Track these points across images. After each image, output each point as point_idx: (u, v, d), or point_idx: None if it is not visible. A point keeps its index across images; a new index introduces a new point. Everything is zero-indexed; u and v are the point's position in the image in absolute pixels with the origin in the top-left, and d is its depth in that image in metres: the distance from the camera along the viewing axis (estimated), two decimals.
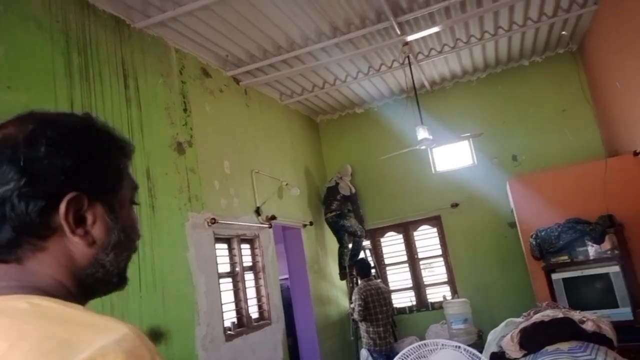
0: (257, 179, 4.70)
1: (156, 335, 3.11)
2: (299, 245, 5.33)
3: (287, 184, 5.15)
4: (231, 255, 4.26)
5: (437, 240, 6.15)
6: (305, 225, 5.51)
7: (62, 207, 0.61)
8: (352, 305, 4.85)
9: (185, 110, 3.99)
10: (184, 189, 3.73)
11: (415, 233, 6.27)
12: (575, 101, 5.56)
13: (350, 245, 5.77)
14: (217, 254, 3.98)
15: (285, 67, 4.81)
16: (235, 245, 4.27)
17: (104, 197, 0.66)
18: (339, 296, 6.01)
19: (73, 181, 0.62)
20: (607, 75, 4.88)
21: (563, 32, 5.20)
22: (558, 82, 5.69)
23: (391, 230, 6.35)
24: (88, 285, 0.65)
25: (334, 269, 5.97)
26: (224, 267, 4.12)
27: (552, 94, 5.69)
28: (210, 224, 3.85)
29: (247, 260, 4.48)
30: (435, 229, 6.17)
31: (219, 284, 3.89)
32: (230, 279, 4.17)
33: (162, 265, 3.30)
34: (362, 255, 5.85)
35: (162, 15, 3.56)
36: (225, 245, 4.22)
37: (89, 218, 0.64)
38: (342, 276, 5.77)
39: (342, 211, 5.69)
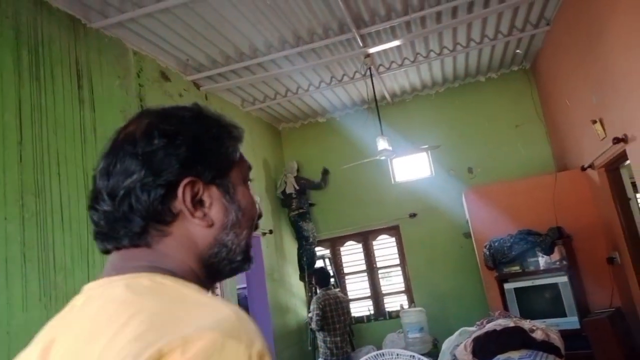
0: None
1: None
2: (258, 254, 5.27)
3: None
4: None
5: (395, 249, 6.23)
6: (264, 234, 5.45)
7: (180, 192, 0.66)
8: (310, 315, 4.82)
9: None
10: None
11: (374, 242, 6.33)
12: (528, 117, 5.79)
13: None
14: None
15: (248, 74, 4.78)
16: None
17: (218, 180, 0.70)
18: (298, 305, 5.97)
19: (188, 168, 0.66)
20: (558, 93, 5.11)
21: (517, 51, 5.42)
22: (512, 98, 5.92)
23: (351, 239, 6.38)
24: (213, 266, 0.70)
25: (293, 277, 5.93)
26: None
27: (507, 110, 5.91)
28: None
29: None
30: (393, 239, 6.24)
31: None
32: None
33: None
34: (321, 264, 5.85)
35: (120, 16, 3.46)
36: None
37: (206, 201, 0.68)
38: (301, 278, 5.82)
39: (306, 211, 5.78)
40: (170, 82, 4.36)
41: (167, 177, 0.65)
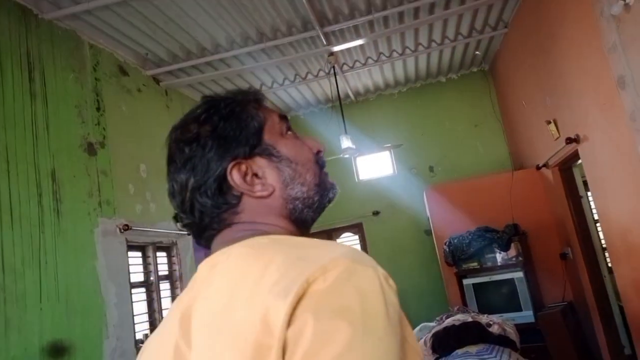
0: None
1: (58, 350, 2.87)
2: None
3: None
4: (145, 264, 4.04)
5: (358, 247, 6.27)
6: None
7: (230, 179, 0.71)
8: None
9: (98, 109, 3.75)
10: (94, 193, 3.49)
11: (338, 240, 6.35)
12: (486, 117, 5.95)
13: None
14: (130, 263, 3.76)
15: (210, 70, 4.70)
16: (150, 253, 4.06)
17: (257, 149, 0.73)
18: None
19: (225, 155, 0.71)
20: (514, 94, 5.28)
21: (477, 52, 5.56)
22: (472, 98, 6.06)
23: (314, 237, 6.36)
24: (298, 219, 0.75)
25: None
26: (137, 276, 3.90)
27: (466, 110, 6.05)
28: (122, 230, 3.63)
29: (163, 269, 4.28)
30: (357, 237, 6.29)
31: (131, 294, 3.67)
32: (144, 289, 3.96)
33: (66, 274, 3.05)
34: None
35: (74, 7, 3.33)
36: (139, 253, 4.00)
37: (258, 172, 0.72)
38: None
39: None
40: (129, 76, 4.23)
41: (212, 174, 0.71)
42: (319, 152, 0.81)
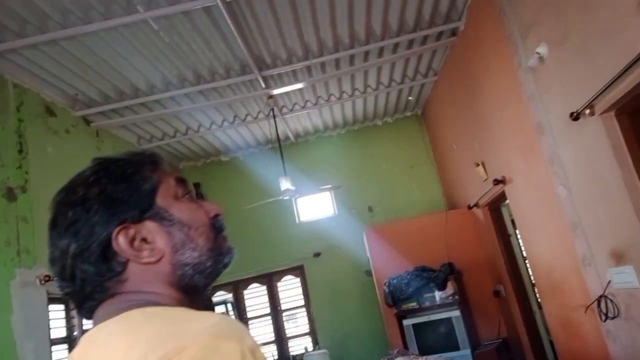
0: None
1: None
2: None
3: None
4: (68, 318, 3.73)
5: (300, 290, 6.17)
6: None
7: (115, 244, 0.67)
8: None
9: (20, 151, 3.52)
10: (13, 241, 3.22)
11: (279, 284, 6.22)
12: (421, 159, 6.19)
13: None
14: (51, 317, 3.46)
15: (145, 111, 4.58)
16: (73, 307, 3.76)
17: (147, 213, 0.70)
18: None
19: (112, 219, 0.68)
20: (445, 138, 5.54)
21: (410, 98, 5.83)
22: (406, 141, 6.30)
23: (255, 282, 6.21)
24: (187, 285, 0.71)
25: None
26: (59, 331, 3.58)
27: (402, 152, 6.27)
28: (43, 281, 3.35)
29: (88, 323, 3.96)
30: (298, 279, 6.19)
31: (51, 351, 3.35)
32: (66, 345, 3.63)
33: None
34: (223, 310, 5.60)
35: None
36: (61, 307, 3.70)
37: (147, 237, 0.69)
38: None
39: None
40: (56, 117, 4.03)
41: (95, 239, 0.67)
42: (217, 215, 0.79)
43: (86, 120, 4.44)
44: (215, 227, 0.78)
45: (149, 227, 0.70)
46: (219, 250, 0.76)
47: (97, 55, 3.59)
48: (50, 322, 3.44)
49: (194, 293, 0.74)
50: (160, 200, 0.73)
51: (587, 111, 2.50)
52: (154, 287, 0.69)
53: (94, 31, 3.24)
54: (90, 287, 0.68)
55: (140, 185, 0.73)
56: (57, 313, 3.60)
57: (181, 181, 0.79)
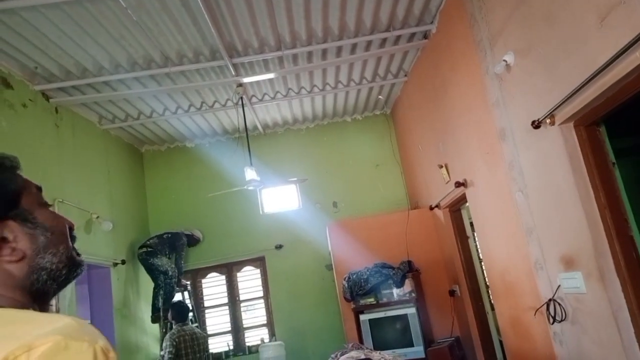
0: (61, 209, 4.11)
1: None
2: (107, 287, 4.79)
3: (97, 217, 4.63)
4: None
5: (259, 281, 6.14)
6: (115, 264, 4.98)
7: None
8: (161, 353, 4.47)
9: None
10: None
11: (238, 274, 6.17)
12: (387, 158, 6.25)
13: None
14: None
15: (108, 90, 4.43)
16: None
17: (11, 213, 0.70)
18: (150, 343, 5.51)
19: None
20: (412, 138, 5.62)
21: (380, 97, 5.87)
22: (374, 139, 6.35)
23: (214, 271, 6.14)
24: (38, 291, 0.71)
25: (146, 313, 5.48)
26: None
27: (369, 150, 6.31)
28: None
29: None
30: (258, 270, 6.16)
31: None
32: None
33: None
34: (179, 297, 5.51)
35: None
36: None
37: (9, 236, 0.69)
38: (154, 319, 5.30)
39: (154, 249, 5.33)
40: (13, 89, 3.85)
41: None
42: (72, 227, 0.80)
43: (45, 96, 4.26)
44: (72, 238, 0.79)
45: (13, 227, 0.70)
46: (74, 260, 0.77)
47: (59, 29, 3.44)
48: None
49: (42, 299, 0.73)
50: (25, 202, 0.73)
51: (548, 120, 2.57)
52: (4, 290, 0.67)
53: (56, 3, 3.10)
54: None
55: (7, 184, 0.72)
56: None
57: (40, 190, 0.79)
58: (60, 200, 4.15)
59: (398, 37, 4.39)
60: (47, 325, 0.56)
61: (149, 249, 5.30)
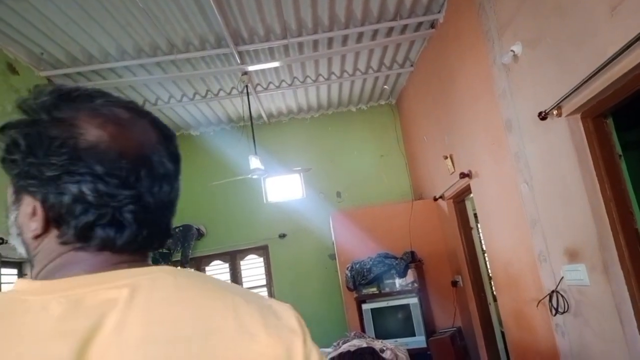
0: None
1: None
2: None
3: None
4: None
5: (263, 270, 6.17)
6: None
7: None
8: None
9: None
10: None
11: (242, 262, 6.20)
12: (391, 149, 6.24)
13: None
14: (3, 281, 3.35)
15: (114, 77, 4.43)
16: (28, 271, 3.66)
17: None
18: None
19: None
20: (417, 129, 5.60)
21: (385, 86, 5.84)
22: (379, 130, 6.33)
23: (218, 259, 6.18)
24: None
25: None
26: None
27: (373, 140, 6.30)
28: None
29: None
30: (262, 259, 6.19)
31: None
32: None
33: None
34: None
35: None
36: (14, 270, 3.59)
37: None
38: None
39: (170, 251, 5.48)
40: (19, 75, 3.85)
41: None
42: None
43: (51, 82, 4.26)
44: None
45: None
46: None
47: (66, 15, 3.43)
48: (2, 286, 3.33)
49: None
50: None
51: (555, 112, 2.56)
52: None
53: None
54: None
55: None
56: (8, 277, 3.50)
57: None
58: None
59: (405, 26, 4.36)
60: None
61: (164, 251, 5.39)
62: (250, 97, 5.11)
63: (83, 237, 0.57)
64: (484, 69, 3.42)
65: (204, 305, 0.55)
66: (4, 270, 3.40)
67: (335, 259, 5.26)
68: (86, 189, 0.55)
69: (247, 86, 4.95)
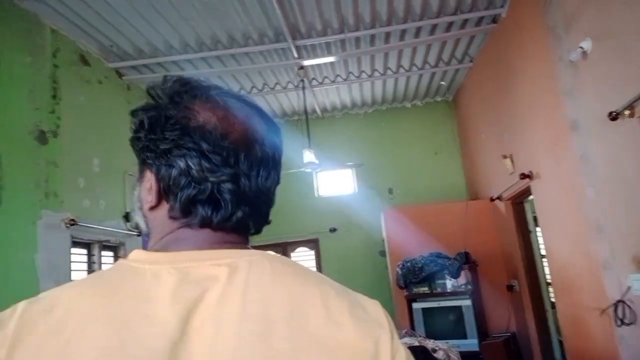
0: (129, 182, 4.36)
1: None
2: None
3: None
4: (90, 263, 3.86)
5: (313, 263, 6.23)
6: None
7: None
8: None
9: (54, 96, 3.59)
10: (41, 184, 3.32)
11: (292, 254, 6.29)
12: (446, 146, 6.10)
13: None
14: (73, 260, 3.58)
15: (176, 69, 4.60)
16: (95, 252, 3.88)
17: None
18: None
19: None
20: (475, 126, 5.43)
21: (442, 82, 5.71)
22: (434, 126, 6.20)
23: (269, 250, 6.27)
24: None
25: None
26: (79, 274, 3.71)
27: (428, 137, 6.18)
28: (68, 225, 3.46)
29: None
30: (312, 252, 6.25)
31: None
32: None
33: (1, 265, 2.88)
34: None
35: None
36: (84, 251, 3.82)
37: None
38: None
39: None
40: (90, 67, 4.08)
41: None
42: None
43: (118, 73, 4.49)
44: None
45: None
46: None
47: (133, 8, 3.60)
48: (72, 264, 3.55)
49: None
50: None
51: (627, 112, 2.40)
52: None
53: None
54: None
55: None
56: (79, 257, 3.72)
57: None
58: (130, 173, 4.38)
59: (465, 21, 4.23)
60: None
61: None
62: (305, 91, 5.15)
63: (187, 212, 0.63)
64: (547, 66, 3.26)
65: (295, 291, 0.59)
66: (74, 250, 3.62)
67: (386, 255, 5.22)
68: (191, 162, 0.62)
69: (303, 80, 4.99)
